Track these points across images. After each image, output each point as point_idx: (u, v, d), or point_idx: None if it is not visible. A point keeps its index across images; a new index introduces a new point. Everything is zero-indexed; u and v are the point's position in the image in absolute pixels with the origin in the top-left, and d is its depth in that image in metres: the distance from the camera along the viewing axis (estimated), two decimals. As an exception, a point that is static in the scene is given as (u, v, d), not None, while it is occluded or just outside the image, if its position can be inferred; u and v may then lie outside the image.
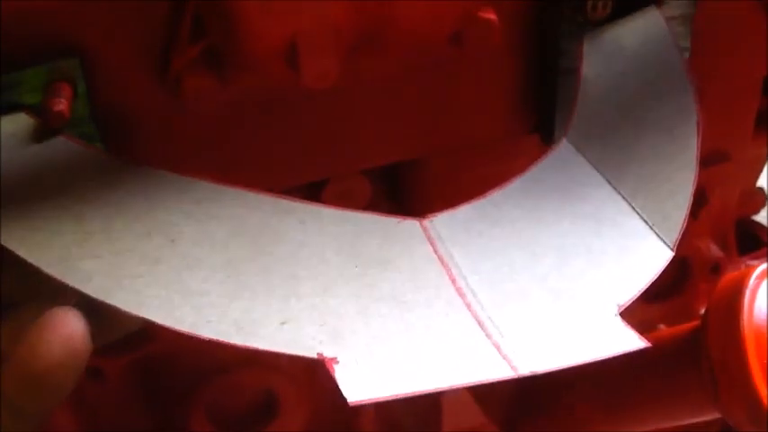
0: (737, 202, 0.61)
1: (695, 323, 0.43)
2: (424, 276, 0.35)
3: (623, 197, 0.40)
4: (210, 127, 0.40)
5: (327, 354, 0.31)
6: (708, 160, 0.55)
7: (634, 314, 0.61)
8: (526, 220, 0.39)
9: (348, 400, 0.29)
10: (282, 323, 0.32)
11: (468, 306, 0.34)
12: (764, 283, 0.41)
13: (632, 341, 0.33)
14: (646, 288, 0.37)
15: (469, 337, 0.33)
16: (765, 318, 0.40)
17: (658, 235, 0.39)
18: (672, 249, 0.39)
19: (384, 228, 0.37)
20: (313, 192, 0.45)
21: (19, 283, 0.35)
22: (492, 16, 0.39)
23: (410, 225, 0.37)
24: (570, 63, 0.44)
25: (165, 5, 0.37)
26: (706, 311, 0.41)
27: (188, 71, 0.38)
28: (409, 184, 0.48)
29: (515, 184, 0.40)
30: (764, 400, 0.39)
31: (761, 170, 0.65)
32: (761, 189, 0.65)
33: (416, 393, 0.31)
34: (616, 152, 0.42)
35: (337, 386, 0.30)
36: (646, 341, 0.33)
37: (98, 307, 0.32)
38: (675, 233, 0.39)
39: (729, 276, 0.40)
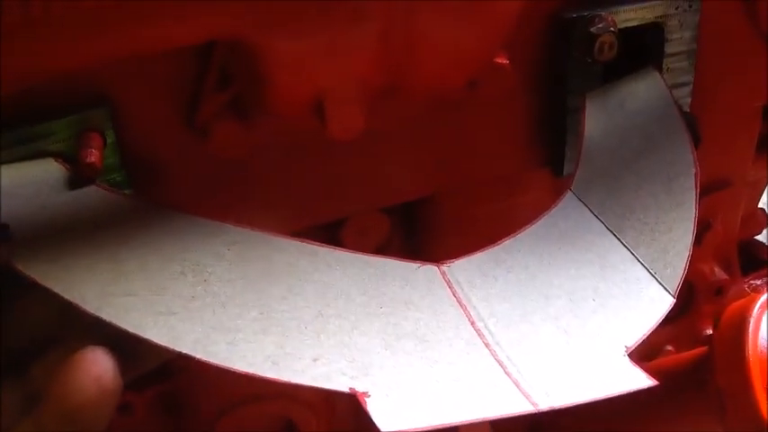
0: (740, 224, 0.65)
1: (702, 350, 0.46)
2: (444, 317, 0.38)
3: (625, 246, 0.44)
4: (235, 171, 0.44)
5: (359, 388, 0.34)
6: (711, 187, 0.59)
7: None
8: (537, 266, 0.42)
9: (382, 431, 0.32)
10: (315, 359, 0.34)
11: (487, 345, 0.37)
12: (767, 312, 0.44)
13: (641, 380, 0.37)
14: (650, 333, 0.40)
15: (490, 374, 0.36)
16: (767, 345, 0.43)
17: (660, 282, 0.42)
18: (673, 296, 0.42)
19: (404, 271, 0.40)
20: (332, 228, 0.49)
21: (55, 321, 0.37)
22: (505, 61, 0.43)
23: (429, 270, 0.41)
24: (578, 102, 0.48)
25: (191, 56, 0.40)
26: (712, 339, 0.44)
27: (215, 119, 0.41)
28: (423, 219, 0.52)
29: (525, 233, 0.44)
30: (768, 423, 0.42)
31: (762, 192, 0.68)
32: (762, 210, 0.68)
33: (445, 426, 0.34)
34: (617, 203, 0.45)
35: (370, 418, 0.33)
36: (653, 380, 0.37)
37: (124, 344, 0.34)
38: (676, 281, 0.42)
39: (734, 306, 0.44)
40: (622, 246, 0.44)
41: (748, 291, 0.66)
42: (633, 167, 0.46)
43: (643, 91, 0.48)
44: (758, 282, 0.67)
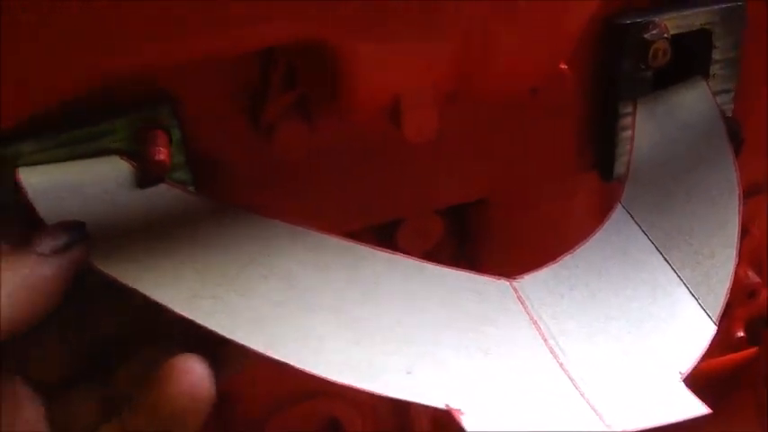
0: (769, 227, 0.66)
1: (750, 351, 0.47)
2: (518, 334, 0.39)
3: (671, 266, 0.45)
4: (297, 171, 0.44)
5: (452, 404, 0.34)
6: (750, 192, 0.60)
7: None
8: (596, 285, 0.43)
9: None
10: (408, 372, 0.35)
11: (561, 365, 0.38)
12: None
13: (696, 408, 0.38)
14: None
15: (566, 394, 0.37)
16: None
17: (703, 308, 0.43)
18: (715, 324, 0.43)
19: (479, 286, 0.41)
20: (387, 229, 0.49)
21: (130, 324, 0.37)
22: (565, 67, 0.43)
23: (502, 285, 0.41)
24: (628, 107, 0.48)
25: (257, 55, 0.41)
26: (763, 342, 0.45)
27: (281, 119, 0.42)
28: (474, 221, 0.52)
29: (582, 249, 0.45)
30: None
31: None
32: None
33: None
34: (665, 221, 0.46)
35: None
36: (707, 408, 0.38)
37: (208, 348, 0.34)
38: (718, 308, 0.43)
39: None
40: (669, 266, 0.44)
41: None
42: (680, 183, 0.47)
43: (691, 101, 0.49)
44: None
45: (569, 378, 0.38)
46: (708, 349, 0.65)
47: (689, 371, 0.40)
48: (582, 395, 0.37)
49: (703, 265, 0.45)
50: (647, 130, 0.48)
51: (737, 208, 0.46)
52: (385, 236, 0.49)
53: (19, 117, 0.35)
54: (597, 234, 0.45)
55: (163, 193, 0.39)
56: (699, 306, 0.43)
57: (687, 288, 0.44)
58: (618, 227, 0.45)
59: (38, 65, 0.33)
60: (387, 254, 0.40)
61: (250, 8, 0.34)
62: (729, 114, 0.53)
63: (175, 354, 0.33)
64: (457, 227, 0.52)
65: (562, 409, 0.36)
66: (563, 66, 0.43)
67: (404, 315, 0.37)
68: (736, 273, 0.62)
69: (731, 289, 0.63)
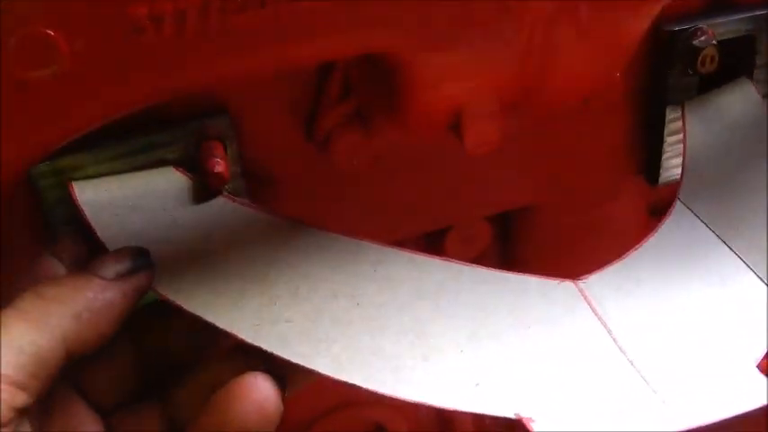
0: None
1: None
2: (587, 335, 0.40)
3: (737, 255, 0.45)
4: (349, 181, 0.44)
5: (522, 413, 0.35)
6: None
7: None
8: (662, 280, 0.43)
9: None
10: (477, 384, 0.35)
11: (632, 363, 0.39)
12: None
13: None
14: None
15: (638, 393, 0.37)
16: None
17: None
18: None
19: (545, 289, 0.41)
20: (435, 236, 0.50)
21: (188, 343, 0.37)
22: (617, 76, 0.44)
23: (568, 286, 0.42)
24: (676, 113, 0.49)
25: (313, 67, 0.41)
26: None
27: (337, 130, 0.42)
28: (520, 227, 0.53)
29: (646, 245, 0.45)
30: None
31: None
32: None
33: None
34: (725, 212, 0.47)
35: None
36: None
37: (271, 366, 0.34)
38: None
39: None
40: (735, 254, 0.45)
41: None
42: (735, 177, 0.48)
43: (739, 101, 0.50)
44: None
45: (640, 376, 0.38)
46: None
47: (763, 355, 0.40)
48: (654, 392, 0.37)
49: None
50: (697, 130, 0.48)
51: None
52: (433, 243, 0.50)
53: (81, 130, 0.35)
54: (659, 229, 0.46)
55: (222, 208, 0.39)
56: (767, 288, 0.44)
57: (755, 273, 0.44)
58: (678, 221, 0.46)
59: (106, 81, 0.33)
60: (449, 263, 0.40)
61: (318, 22, 0.34)
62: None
63: (241, 371, 0.34)
64: (503, 232, 0.53)
65: (633, 408, 0.36)
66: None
67: (474, 326, 0.38)
68: None
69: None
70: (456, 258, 0.49)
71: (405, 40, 0.36)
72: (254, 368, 0.34)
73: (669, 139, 0.50)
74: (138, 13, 0.31)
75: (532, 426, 0.34)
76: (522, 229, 0.53)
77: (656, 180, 0.51)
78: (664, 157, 0.50)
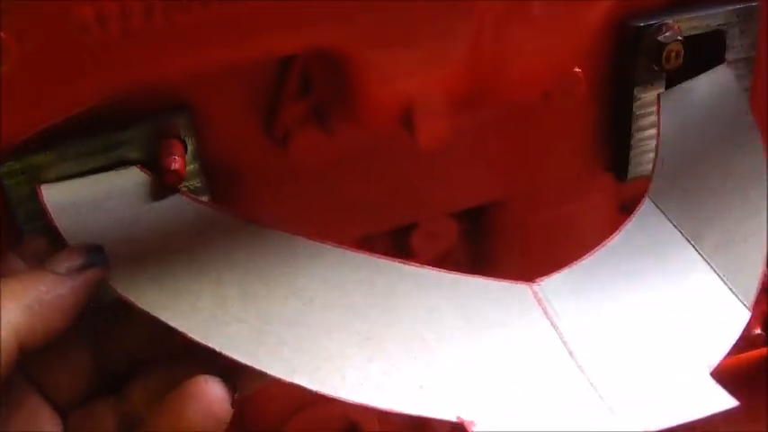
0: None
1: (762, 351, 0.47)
2: (538, 339, 0.40)
3: (703, 257, 0.45)
4: (311, 177, 0.45)
5: (464, 416, 0.35)
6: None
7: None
8: (620, 283, 0.43)
9: None
10: (421, 386, 0.35)
11: (581, 368, 0.39)
12: None
13: (725, 401, 0.38)
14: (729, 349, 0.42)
15: (585, 399, 0.38)
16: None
17: (736, 295, 0.44)
18: (749, 310, 0.43)
19: (498, 291, 0.41)
20: (401, 233, 0.50)
21: (147, 342, 0.38)
22: (579, 71, 0.44)
23: (521, 289, 0.42)
24: (643, 109, 0.49)
25: (272, 63, 0.42)
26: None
27: (296, 126, 0.43)
28: (488, 223, 0.53)
29: (609, 246, 0.45)
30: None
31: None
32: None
33: None
34: (695, 211, 0.46)
35: None
36: (736, 400, 0.38)
37: (225, 365, 0.35)
38: (752, 293, 0.44)
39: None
40: (700, 257, 0.45)
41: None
42: (710, 173, 0.48)
43: (716, 90, 0.49)
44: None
45: (588, 381, 0.38)
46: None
47: (718, 362, 0.40)
48: (601, 397, 0.37)
49: (736, 252, 0.45)
50: (671, 122, 0.48)
51: (767, 193, 0.47)
52: (399, 239, 0.50)
53: (34, 128, 0.36)
54: (623, 230, 0.46)
55: (179, 206, 0.40)
56: (732, 293, 0.44)
57: (719, 277, 0.44)
58: (646, 221, 0.46)
59: (55, 79, 0.34)
60: (402, 265, 0.40)
61: (261, 20, 0.35)
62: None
63: (194, 372, 0.34)
64: (472, 229, 0.53)
65: (579, 414, 0.37)
66: (576, 69, 0.44)
67: (419, 328, 0.38)
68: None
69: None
70: (422, 254, 0.49)
71: (352, 37, 0.36)
72: (207, 369, 0.34)
73: (637, 135, 0.50)
74: (84, 14, 0.32)
75: (473, 429, 0.34)
76: (491, 226, 0.53)
77: (625, 176, 0.51)
78: (632, 153, 0.50)
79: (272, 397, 0.54)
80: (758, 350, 0.49)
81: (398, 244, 0.50)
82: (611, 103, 0.50)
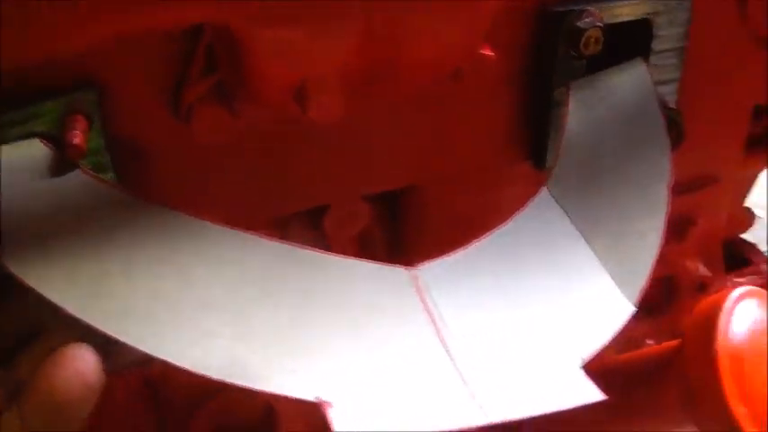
0: (726, 222, 0.66)
1: (676, 342, 0.47)
2: (410, 324, 0.40)
3: (593, 250, 0.45)
4: (219, 156, 0.45)
5: (324, 397, 0.35)
6: (696, 184, 0.60)
7: (623, 331, 0.65)
8: (506, 272, 0.43)
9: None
10: (284, 367, 0.36)
11: (449, 354, 0.39)
12: (742, 304, 0.45)
13: (593, 394, 0.38)
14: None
15: (448, 386, 0.38)
16: (742, 338, 0.44)
17: (623, 291, 0.44)
18: (634, 306, 0.43)
19: (376, 275, 0.41)
20: (315, 216, 0.50)
21: (37, 312, 0.38)
22: (489, 53, 0.44)
23: (400, 273, 0.42)
24: (562, 96, 0.49)
25: (179, 41, 0.41)
26: (685, 332, 0.45)
27: (200, 104, 0.42)
28: (406, 209, 0.53)
29: (498, 234, 0.45)
30: (738, 419, 0.43)
31: (748, 191, 0.69)
32: (748, 209, 0.69)
33: None
34: (593, 207, 0.46)
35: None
36: (603, 394, 0.38)
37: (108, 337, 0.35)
38: (638, 291, 0.44)
39: (708, 299, 0.45)
40: (590, 250, 0.45)
41: (731, 288, 0.67)
42: (611, 168, 0.47)
43: (628, 83, 0.49)
44: (741, 279, 0.68)
45: (456, 370, 0.38)
46: (654, 340, 0.65)
47: (592, 355, 0.41)
48: (465, 384, 0.37)
49: (627, 250, 0.45)
50: (579, 113, 0.48)
51: (666, 192, 0.46)
52: (313, 222, 0.50)
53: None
54: (515, 218, 0.46)
55: (78, 183, 0.39)
56: (618, 290, 0.44)
57: (607, 271, 0.44)
58: (540, 212, 0.46)
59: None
60: (282, 245, 0.40)
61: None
62: (673, 105, 0.53)
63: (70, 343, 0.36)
64: (388, 214, 0.53)
65: (440, 402, 0.37)
66: (487, 51, 0.44)
67: (295, 310, 0.38)
68: (684, 266, 0.63)
69: (681, 281, 0.64)
70: (336, 238, 0.49)
71: (238, 14, 0.36)
72: (88, 340, 0.35)
73: (557, 124, 0.49)
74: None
75: (330, 411, 0.34)
76: (408, 210, 0.52)
77: (544, 165, 0.50)
78: (551, 141, 0.50)
79: (188, 380, 0.53)
80: (668, 343, 0.49)
81: (312, 226, 0.50)
82: (530, 89, 0.49)
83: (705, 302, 0.46)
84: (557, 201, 0.46)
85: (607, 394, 0.51)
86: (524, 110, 0.50)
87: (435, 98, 0.47)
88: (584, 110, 0.48)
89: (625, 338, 0.57)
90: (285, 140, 0.45)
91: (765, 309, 0.46)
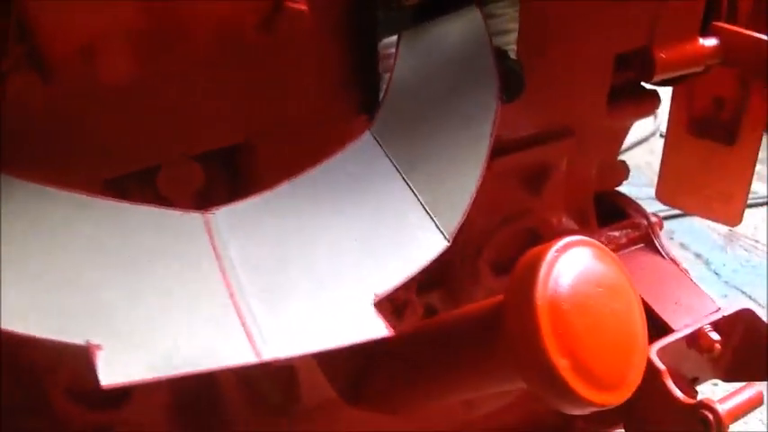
0: (598, 175, 0.66)
1: (501, 297, 0.46)
2: (196, 268, 0.40)
3: (412, 189, 0.45)
4: (41, 121, 0.44)
5: (95, 341, 0.36)
6: (550, 135, 0.59)
7: (483, 287, 0.65)
8: (311, 211, 0.43)
9: (101, 383, 0.35)
10: (59, 313, 0.36)
11: (232, 296, 0.39)
12: (567, 255, 0.45)
13: (379, 329, 0.38)
14: (415, 275, 0.42)
15: (226, 325, 0.38)
16: (564, 290, 0.44)
17: (438, 226, 0.44)
18: (448, 240, 0.43)
19: (168, 221, 0.41)
20: (148, 178, 0.49)
21: None
22: (300, 6, 0.43)
23: (193, 218, 0.42)
24: (389, 50, 0.48)
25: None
26: (508, 285, 0.45)
27: (12, 71, 0.42)
28: (243, 166, 0.52)
29: (309, 175, 0.45)
30: (561, 372, 0.43)
31: (620, 144, 0.69)
32: (622, 162, 0.69)
33: (170, 377, 0.36)
34: (413, 147, 0.46)
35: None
36: (391, 330, 0.38)
37: None
38: (454, 224, 0.44)
39: (529, 252, 0.44)
40: (409, 189, 0.44)
41: (605, 242, 0.67)
42: (436, 108, 0.47)
43: (461, 30, 0.49)
44: (616, 233, 0.68)
45: (236, 310, 0.38)
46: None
47: (389, 290, 0.41)
48: (243, 325, 0.38)
49: (446, 185, 0.45)
50: (409, 60, 0.48)
51: (490, 133, 0.46)
52: (147, 184, 0.49)
53: None
54: (332, 160, 0.46)
55: None
56: (433, 224, 0.44)
57: (424, 208, 0.44)
58: (360, 153, 0.46)
59: None
60: (79, 196, 0.40)
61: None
62: (513, 56, 0.53)
63: None
64: (227, 172, 0.52)
65: (217, 341, 0.37)
66: (299, 5, 0.43)
67: (80, 258, 0.38)
68: (547, 219, 0.63)
69: (544, 234, 0.64)
70: (172, 197, 0.49)
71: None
72: None
73: (386, 76, 0.49)
74: None
75: (98, 354, 0.35)
76: (245, 168, 0.52)
77: (374, 117, 0.50)
78: (381, 94, 0.49)
79: (44, 345, 0.53)
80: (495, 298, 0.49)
81: (146, 188, 0.49)
82: (356, 42, 0.49)
83: (528, 254, 0.45)
84: (380, 143, 0.46)
85: (439, 354, 0.51)
86: (352, 63, 0.49)
87: (253, 54, 0.46)
88: (415, 57, 0.48)
89: (486, 293, 0.58)
90: (103, 103, 0.45)
91: (595, 258, 0.46)
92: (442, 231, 0.43)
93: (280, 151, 0.51)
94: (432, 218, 0.43)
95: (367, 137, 0.46)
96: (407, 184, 0.44)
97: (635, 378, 0.46)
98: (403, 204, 0.43)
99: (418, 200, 0.43)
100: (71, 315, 0.36)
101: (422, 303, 0.62)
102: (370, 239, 0.42)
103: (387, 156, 0.45)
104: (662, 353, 0.64)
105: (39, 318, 0.36)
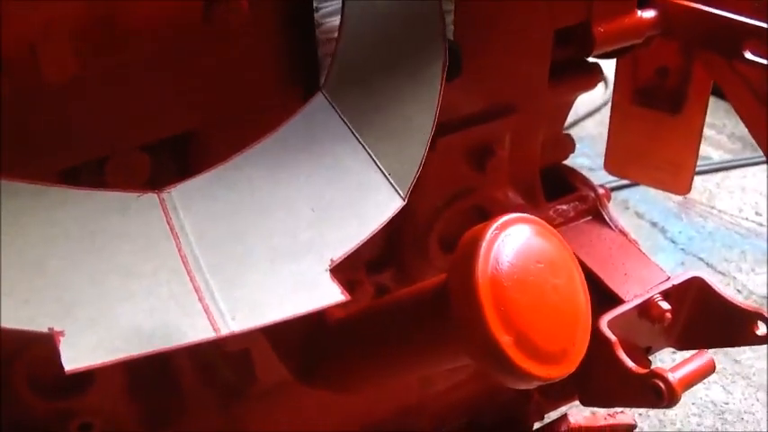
0: (544, 149, 0.66)
1: (445, 275, 0.47)
2: (154, 247, 0.41)
3: (365, 148, 0.45)
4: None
5: (57, 327, 0.36)
6: (492, 113, 0.60)
7: (433, 265, 0.66)
8: (265, 180, 0.43)
9: (65, 369, 0.35)
10: (24, 301, 0.37)
11: (189, 272, 0.40)
12: (507, 232, 0.45)
13: (335, 295, 0.39)
14: (370, 236, 0.42)
15: (184, 303, 0.39)
16: (505, 266, 0.45)
17: (392, 184, 0.44)
18: (403, 199, 0.44)
19: (125, 203, 0.42)
20: (97, 168, 0.50)
21: None
22: (238, -3, 0.43)
23: (148, 198, 0.42)
24: (326, 19, 0.48)
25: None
26: (450, 264, 0.46)
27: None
28: (193, 154, 0.53)
29: (262, 144, 0.45)
30: (504, 348, 0.44)
31: (564, 117, 0.70)
32: (567, 135, 0.70)
33: (130, 359, 0.37)
34: (365, 103, 0.47)
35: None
36: (347, 295, 0.39)
37: None
38: (409, 180, 0.44)
39: (470, 231, 0.45)
40: (362, 148, 0.45)
41: (554, 216, 0.68)
42: (386, 70, 0.48)
43: None
44: (564, 206, 0.69)
45: (194, 286, 0.39)
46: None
47: (344, 256, 0.41)
48: (201, 301, 0.39)
49: (397, 145, 0.45)
50: (353, 19, 0.48)
51: (441, 75, 0.47)
52: (95, 175, 0.50)
53: None
54: (286, 125, 0.46)
55: None
56: (388, 183, 0.44)
57: (378, 167, 0.45)
58: (313, 116, 0.46)
59: None
60: (39, 186, 0.41)
61: None
62: (451, 36, 0.53)
63: None
64: (177, 161, 0.53)
65: (175, 319, 0.38)
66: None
67: (44, 246, 0.39)
68: (493, 196, 0.64)
69: (492, 211, 0.65)
70: (122, 187, 0.49)
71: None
72: None
73: (325, 48, 0.49)
74: None
75: (61, 340, 0.36)
76: (196, 156, 0.53)
77: (318, 87, 0.50)
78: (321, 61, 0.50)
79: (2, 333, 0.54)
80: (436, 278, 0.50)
81: (95, 179, 0.50)
82: (293, 18, 0.49)
83: (469, 233, 0.46)
84: (331, 104, 0.46)
85: (389, 333, 0.52)
86: (295, 43, 0.50)
87: (196, 45, 0.47)
88: (362, 14, 0.48)
89: (438, 269, 0.58)
90: (52, 97, 0.45)
91: (535, 235, 0.47)
92: (397, 190, 0.43)
93: (228, 138, 0.50)
94: (386, 176, 0.43)
95: (319, 98, 0.46)
96: (360, 142, 0.44)
97: (579, 351, 0.47)
98: (357, 164, 0.44)
99: (372, 159, 0.44)
100: (33, 303, 0.37)
101: (372, 283, 0.63)
102: (327, 203, 0.42)
103: (339, 115, 0.45)
104: (613, 324, 0.66)
105: (2, 306, 0.36)
